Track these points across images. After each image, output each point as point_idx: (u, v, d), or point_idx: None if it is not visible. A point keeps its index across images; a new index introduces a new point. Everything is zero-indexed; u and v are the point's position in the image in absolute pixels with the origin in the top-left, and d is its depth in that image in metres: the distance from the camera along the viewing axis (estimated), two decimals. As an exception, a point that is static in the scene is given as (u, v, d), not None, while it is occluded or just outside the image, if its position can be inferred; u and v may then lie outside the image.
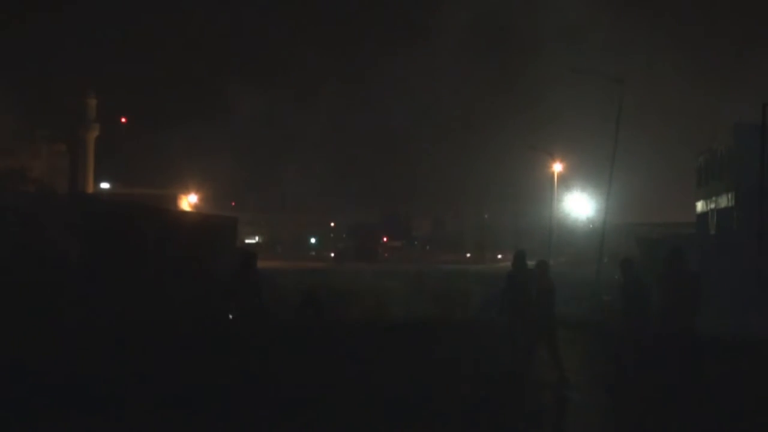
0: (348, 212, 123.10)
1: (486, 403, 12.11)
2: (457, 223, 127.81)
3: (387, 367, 14.82)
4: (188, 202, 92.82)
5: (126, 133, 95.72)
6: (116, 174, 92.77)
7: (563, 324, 18.38)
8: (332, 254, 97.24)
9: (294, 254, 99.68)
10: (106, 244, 22.11)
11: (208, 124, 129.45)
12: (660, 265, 12.82)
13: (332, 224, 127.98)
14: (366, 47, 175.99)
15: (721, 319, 22.12)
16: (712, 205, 53.24)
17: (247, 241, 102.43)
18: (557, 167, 56.91)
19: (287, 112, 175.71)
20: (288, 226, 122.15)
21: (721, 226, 49.77)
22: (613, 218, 52.99)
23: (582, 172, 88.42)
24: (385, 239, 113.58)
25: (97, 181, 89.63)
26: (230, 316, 14.25)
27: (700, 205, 57.64)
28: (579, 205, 79.11)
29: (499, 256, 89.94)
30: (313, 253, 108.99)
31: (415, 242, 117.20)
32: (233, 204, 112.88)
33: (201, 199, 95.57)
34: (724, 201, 49.85)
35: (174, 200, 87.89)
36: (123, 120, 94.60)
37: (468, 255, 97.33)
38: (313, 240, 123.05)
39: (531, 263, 14.42)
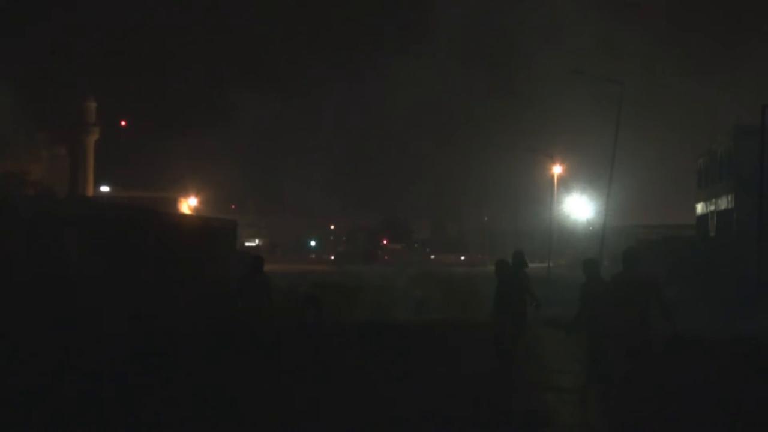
0: (348, 215, 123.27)
1: (486, 404, 12.12)
2: (457, 226, 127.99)
3: (387, 367, 14.87)
4: (188, 205, 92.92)
5: (126, 136, 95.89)
6: (116, 177, 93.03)
7: (554, 324, 18.57)
8: (332, 257, 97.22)
9: (294, 257, 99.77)
10: (105, 247, 22.15)
11: (208, 127, 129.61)
12: (661, 265, 12.46)
13: (332, 227, 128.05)
14: (365, 51, 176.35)
15: (720, 319, 22.21)
16: (712, 207, 53.18)
17: (246, 243, 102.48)
18: (557, 169, 56.88)
19: (287, 115, 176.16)
20: (288, 228, 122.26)
21: (721, 228, 49.80)
22: (613, 220, 53.08)
23: (582, 175, 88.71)
24: (385, 242, 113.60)
25: (97, 184, 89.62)
26: (236, 316, 15.29)
27: (700, 207, 57.60)
28: (579, 207, 79.20)
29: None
30: (313, 256, 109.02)
31: (416, 245, 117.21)
32: (233, 207, 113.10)
33: (201, 202, 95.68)
34: (724, 203, 49.82)
35: (174, 203, 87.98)
36: (123, 123, 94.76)
37: (462, 258, 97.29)
38: (313, 242, 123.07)
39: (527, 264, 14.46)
